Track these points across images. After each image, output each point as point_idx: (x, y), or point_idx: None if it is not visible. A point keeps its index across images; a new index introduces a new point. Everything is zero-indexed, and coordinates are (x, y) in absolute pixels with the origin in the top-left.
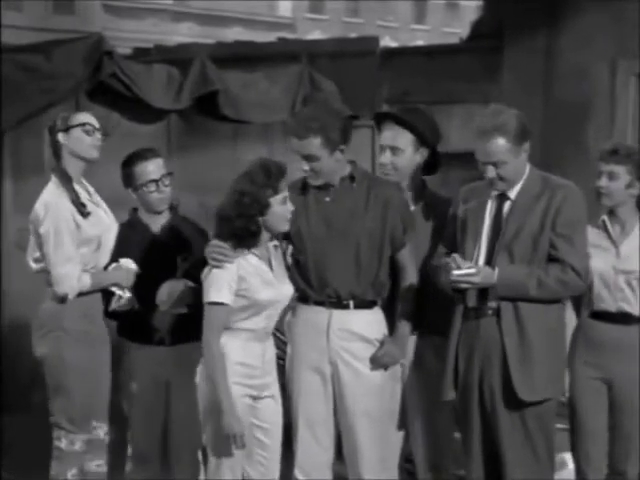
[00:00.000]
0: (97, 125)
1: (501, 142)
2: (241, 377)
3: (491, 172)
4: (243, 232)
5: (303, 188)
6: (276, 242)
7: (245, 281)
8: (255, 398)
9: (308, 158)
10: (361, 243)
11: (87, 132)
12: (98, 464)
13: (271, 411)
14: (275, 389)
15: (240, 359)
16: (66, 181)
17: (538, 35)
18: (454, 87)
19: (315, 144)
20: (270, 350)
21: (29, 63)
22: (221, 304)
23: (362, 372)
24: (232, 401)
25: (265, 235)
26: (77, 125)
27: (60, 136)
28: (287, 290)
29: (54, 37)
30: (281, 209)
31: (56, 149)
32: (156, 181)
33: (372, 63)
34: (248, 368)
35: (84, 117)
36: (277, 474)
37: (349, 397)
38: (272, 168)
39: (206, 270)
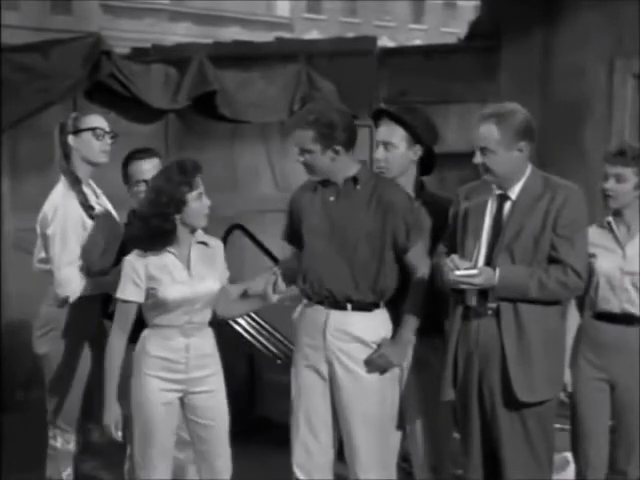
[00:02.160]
0: (107, 129)
1: (493, 129)
2: (159, 370)
3: (477, 157)
4: (158, 231)
5: (315, 186)
6: (204, 239)
7: (154, 280)
8: (184, 393)
9: (301, 150)
10: (359, 245)
11: (97, 137)
12: (90, 466)
13: (208, 406)
14: (213, 384)
15: (158, 353)
16: (75, 183)
17: (535, 35)
18: (452, 87)
19: (308, 136)
20: (201, 345)
21: (27, 63)
22: (126, 301)
23: (358, 373)
24: (114, 394)
25: (184, 232)
26: (87, 129)
27: (70, 138)
28: (205, 287)
29: (52, 37)
30: (197, 205)
31: (66, 150)
32: (147, 181)
33: (370, 63)
34: (168, 362)
35: (95, 120)
36: (229, 470)
37: (345, 398)
38: (187, 165)
39: (122, 263)
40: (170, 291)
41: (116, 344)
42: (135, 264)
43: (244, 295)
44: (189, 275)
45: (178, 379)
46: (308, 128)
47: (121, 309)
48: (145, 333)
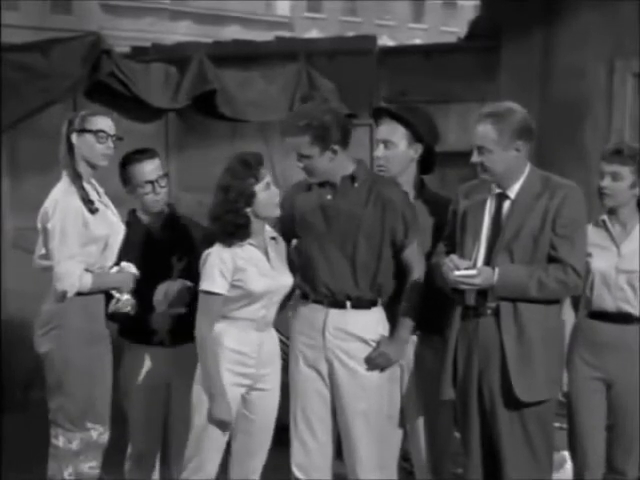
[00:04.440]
0: (112, 132)
1: (490, 128)
2: (233, 364)
3: (475, 157)
4: (233, 227)
5: (309, 185)
6: (274, 234)
7: (241, 271)
8: (248, 389)
9: (300, 156)
10: (358, 244)
11: (99, 140)
12: (91, 466)
13: (263, 404)
14: (273, 382)
15: (234, 346)
16: (76, 179)
17: (535, 34)
18: (451, 86)
19: (303, 142)
20: (270, 342)
21: (27, 62)
22: (214, 294)
23: (358, 372)
24: (223, 387)
25: (259, 224)
26: (91, 131)
27: (74, 137)
28: (284, 280)
29: (52, 36)
30: (266, 195)
31: (70, 147)
32: (152, 182)
33: (370, 62)
34: (242, 356)
35: (100, 123)
36: (259, 473)
37: (345, 397)
38: (249, 158)
39: (203, 256)
40: (256, 282)
41: (207, 338)
42: (223, 256)
43: None
44: (271, 267)
45: (248, 373)
46: (302, 134)
47: (207, 302)
48: (221, 327)
